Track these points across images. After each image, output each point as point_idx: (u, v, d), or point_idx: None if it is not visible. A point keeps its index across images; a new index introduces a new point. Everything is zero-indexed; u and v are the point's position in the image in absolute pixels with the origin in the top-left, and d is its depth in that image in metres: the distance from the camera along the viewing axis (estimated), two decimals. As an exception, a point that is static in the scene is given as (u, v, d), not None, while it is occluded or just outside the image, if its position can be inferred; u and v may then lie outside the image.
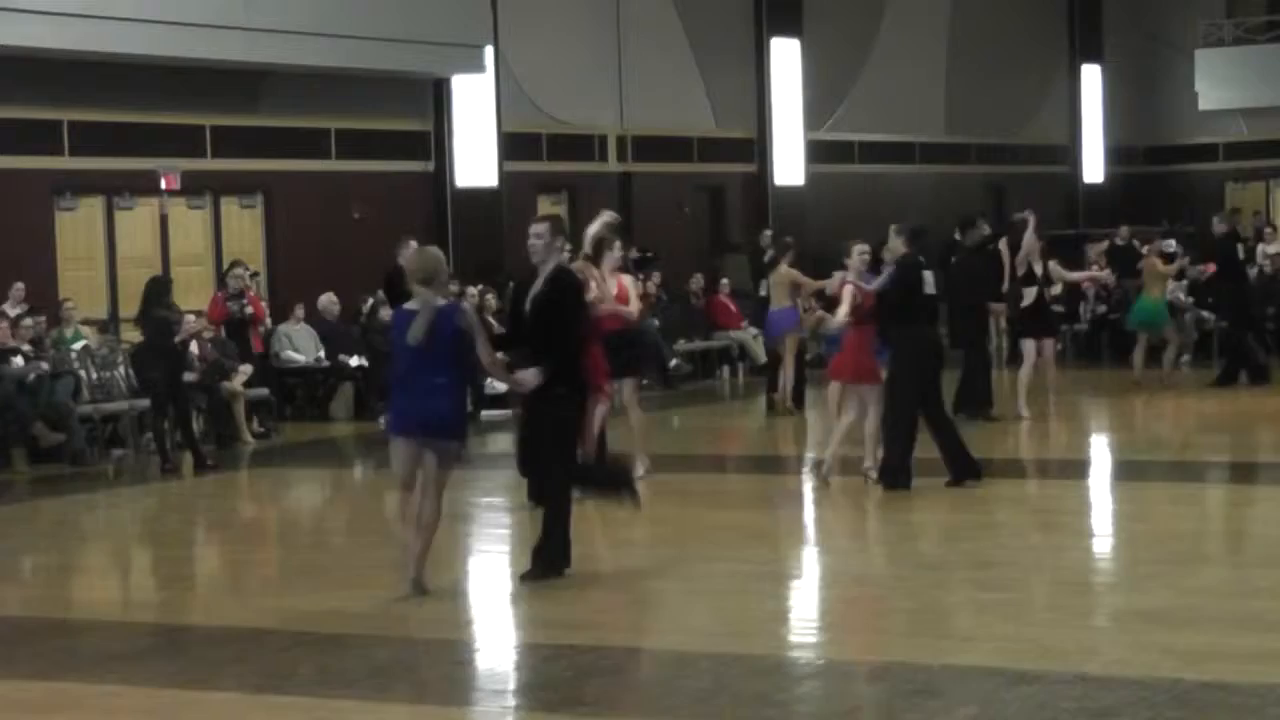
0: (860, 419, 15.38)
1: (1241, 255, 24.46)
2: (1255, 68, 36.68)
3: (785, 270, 21.09)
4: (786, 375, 21.31)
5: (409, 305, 11.21)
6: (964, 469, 15.18)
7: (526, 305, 11.74)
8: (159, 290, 18.83)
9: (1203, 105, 37.17)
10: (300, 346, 22.62)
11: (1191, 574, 11.72)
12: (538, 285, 11.73)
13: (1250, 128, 37.84)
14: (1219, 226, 23.93)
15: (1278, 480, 16.05)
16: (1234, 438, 19.37)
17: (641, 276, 22.80)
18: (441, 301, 11.18)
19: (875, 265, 15.67)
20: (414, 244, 18.71)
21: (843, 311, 15.15)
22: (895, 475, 15.04)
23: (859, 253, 15.37)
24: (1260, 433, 19.55)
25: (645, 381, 24.37)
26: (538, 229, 11.81)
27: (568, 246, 12.67)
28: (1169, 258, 25.47)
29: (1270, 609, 10.41)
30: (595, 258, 15.04)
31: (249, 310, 21.68)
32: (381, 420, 21.46)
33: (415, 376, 11.07)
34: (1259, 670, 8.89)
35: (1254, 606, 10.50)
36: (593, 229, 15.33)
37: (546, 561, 11.69)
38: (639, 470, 15.54)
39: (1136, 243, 29.79)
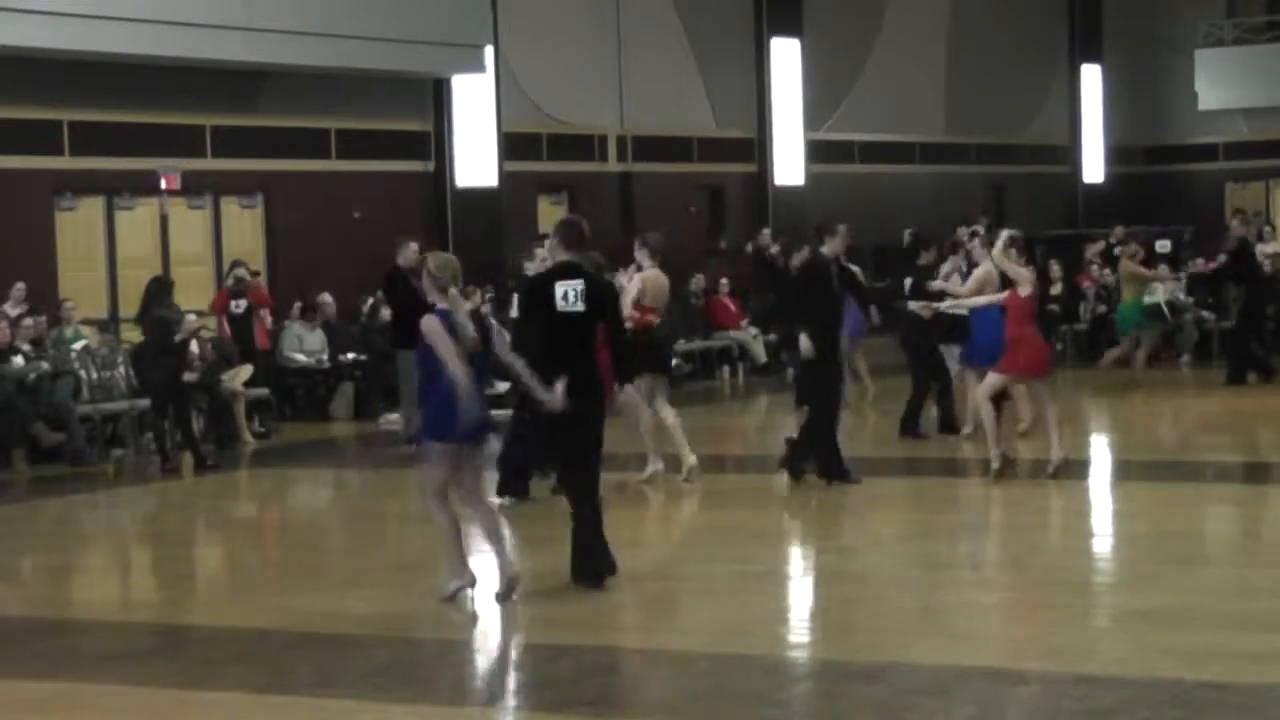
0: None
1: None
2: (1255, 68, 36.68)
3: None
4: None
5: (444, 307, 10.92)
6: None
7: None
8: (160, 290, 18.83)
9: (1203, 105, 37.17)
10: (308, 348, 22.63)
11: (1191, 574, 11.72)
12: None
13: (1250, 128, 37.84)
14: (1237, 228, 23.93)
15: (1277, 480, 16.04)
16: (1234, 438, 19.37)
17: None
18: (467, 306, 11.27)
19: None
20: (414, 245, 18.75)
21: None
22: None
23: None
24: (1260, 432, 19.55)
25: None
26: (548, 240, 12.13)
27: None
28: (1147, 260, 25.55)
29: (1270, 609, 10.42)
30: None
31: (245, 304, 21.69)
32: (383, 420, 21.52)
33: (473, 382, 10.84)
34: (1259, 670, 8.89)
35: (1254, 606, 10.50)
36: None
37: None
38: (655, 468, 15.76)
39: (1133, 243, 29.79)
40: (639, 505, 14.88)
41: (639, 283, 15.67)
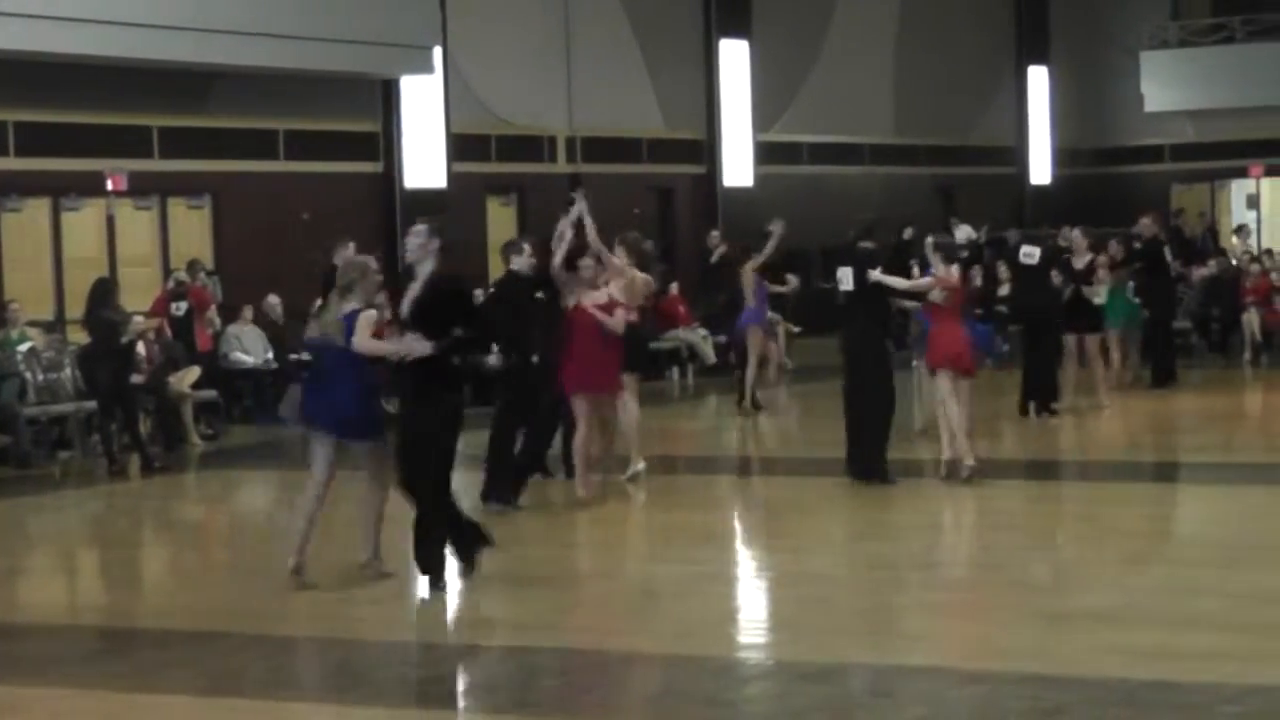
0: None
1: (1171, 256, 24.62)
2: (1201, 70, 36.92)
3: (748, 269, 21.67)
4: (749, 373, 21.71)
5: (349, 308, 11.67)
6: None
7: (404, 308, 11.65)
8: (104, 292, 18.72)
9: (1149, 107, 37.41)
10: (249, 348, 22.51)
11: (1140, 574, 11.78)
12: (415, 288, 11.64)
13: (1196, 130, 38.07)
14: (1149, 228, 24.07)
15: (1225, 480, 16.13)
16: (1182, 438, 19.47)
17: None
18: (348, 309, 11.60)
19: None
20: (352, 245, 18.70)
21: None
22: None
23: None
24: (1208, 433, 19.65)
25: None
26: (416, 229, 11.89)
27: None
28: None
29: (1217, 608, 10.47)
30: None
31: (184, 307, 21.58)
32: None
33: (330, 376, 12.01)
34: (1206, 669, 8.94)
35: (1201, 606, 10.56)
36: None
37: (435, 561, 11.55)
38: (637, 468, 15.84)
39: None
40: (589, 507, 14.86)
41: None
